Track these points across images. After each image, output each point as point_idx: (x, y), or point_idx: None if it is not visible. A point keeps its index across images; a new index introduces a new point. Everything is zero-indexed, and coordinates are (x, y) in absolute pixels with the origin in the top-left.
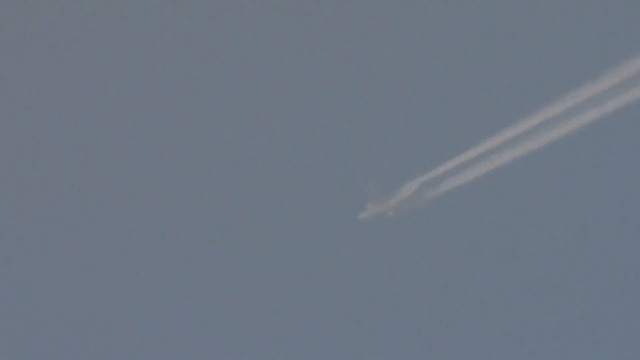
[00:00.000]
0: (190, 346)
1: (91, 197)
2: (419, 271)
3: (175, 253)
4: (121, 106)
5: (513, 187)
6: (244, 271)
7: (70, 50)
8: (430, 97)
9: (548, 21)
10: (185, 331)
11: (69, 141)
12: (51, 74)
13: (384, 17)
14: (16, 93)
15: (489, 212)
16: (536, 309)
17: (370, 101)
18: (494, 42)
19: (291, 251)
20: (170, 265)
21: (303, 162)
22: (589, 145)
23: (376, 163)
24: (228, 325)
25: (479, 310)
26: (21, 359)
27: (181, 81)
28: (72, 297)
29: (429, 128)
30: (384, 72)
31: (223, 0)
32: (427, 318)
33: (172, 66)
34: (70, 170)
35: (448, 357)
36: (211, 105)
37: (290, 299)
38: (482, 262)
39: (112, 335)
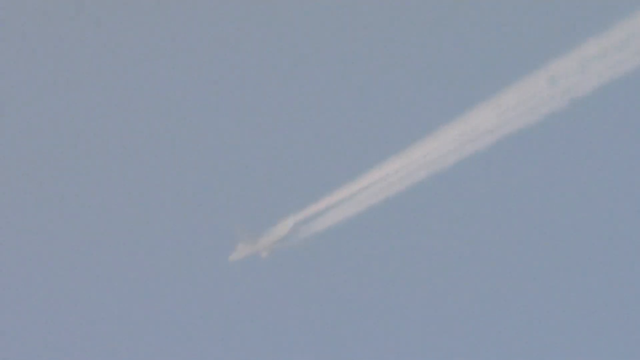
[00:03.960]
0: None
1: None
2: (296, 313)
3: None
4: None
5: (390, 224)
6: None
7: (70, 50)
8: (305, 130)
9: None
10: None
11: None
12: (51, 74)
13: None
14: (16, 93)
15: (365, 251)
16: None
17: (239, 134)
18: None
19: (161, 294)
20: None
21: (169, 200)
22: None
23: (247, 201)
24: None
25: (358, 350)
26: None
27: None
28: (71, 297)
29: (303, 163)
30: (256, 101)
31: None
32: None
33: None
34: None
35: None
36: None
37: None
38: (364, 300)
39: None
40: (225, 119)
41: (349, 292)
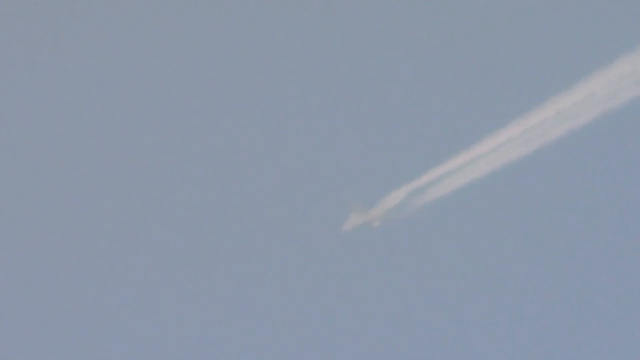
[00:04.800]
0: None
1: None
2: (408, 282)
3: None
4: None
5: (506, 192)
6: (228, 287)
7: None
8: (415, 101)
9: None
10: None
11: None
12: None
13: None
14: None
15: (480, 220)
16: (528, 320)
17: (352, 106)
18: (487, 43)
19: (275, 265)
20: None
21: (281, 171)
22: (588, 147)
23: (359, 171)
24: (208, 330)
25: (471, 320)
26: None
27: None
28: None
29: (415, 133)
30: (363, 75)
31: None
32: (417, 328)
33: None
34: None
35: None
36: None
37: (280, 311)
38: (474, 272)
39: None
40: (342, 86)
41: (458, 262)
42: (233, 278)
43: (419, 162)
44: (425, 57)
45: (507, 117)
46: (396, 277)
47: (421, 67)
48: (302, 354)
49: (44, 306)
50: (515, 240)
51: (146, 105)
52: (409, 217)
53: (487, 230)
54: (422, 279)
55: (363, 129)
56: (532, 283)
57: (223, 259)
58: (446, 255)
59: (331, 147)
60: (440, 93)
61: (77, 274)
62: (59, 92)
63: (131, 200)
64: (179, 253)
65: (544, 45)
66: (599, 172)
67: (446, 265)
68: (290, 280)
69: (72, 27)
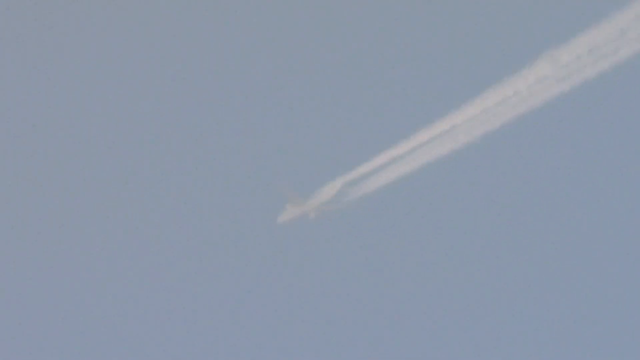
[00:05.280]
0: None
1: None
2: (342, 274)
3: None
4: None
5: (441, 185)
6: (167, 277)
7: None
8: (351, 95)
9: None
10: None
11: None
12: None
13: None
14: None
15: (415, 212)
16: (465, 311)
17: (288, 99)
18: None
19: (209, 257)
20: None
21: (218, 164)
22: (513, 143)
23: (295, 163)
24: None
25: (403, 312)
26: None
27: None
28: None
29: (350, 127)
30: (298, 69)
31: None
32: (351, 318)
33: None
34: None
35: None
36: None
37: (216, 304)
38: (408, 264)
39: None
40: (279, 79)
41: (392, 254)
42: (169, 268)
43: (354, 154)
44: (358, 53)
45: (439, 114)
46: (331, 267)
47: (356, 62)
48: (235, 343)
49: (41, 306)
50: (445, 231)
51: None
52: (345, 208)
53: (420, 222)
54: (356, 269)
55: (298, 122)
56: (462, 273)
57: (160, 249)
58: (380, 245)
59: (267, 139)
60: (374, 88)
61: (74, 272)
62: (58, 92)
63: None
64: (108, 246)
65: (463, 46)
66: (515, 172)
67: (380, 255)
68: (226, 270)
69: (72, 27)
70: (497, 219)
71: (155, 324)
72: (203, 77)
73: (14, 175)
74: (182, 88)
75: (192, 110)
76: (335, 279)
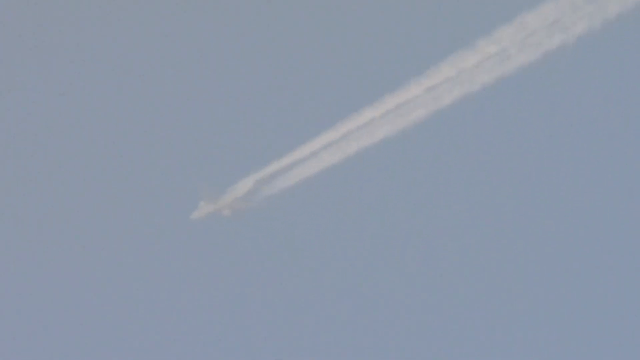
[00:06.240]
0: None
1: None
2: (256, 269)
3: None
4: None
5: (355, 182)
6: (80, 275)
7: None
8: (265, 93)
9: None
10: None
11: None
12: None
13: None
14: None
15: (327, 209)
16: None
17: (201, 96)
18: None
19: (122, 253)
20: None
21: (130, 160)
22: (424, 140)
23: (208, 160)
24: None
25: (315, 310)
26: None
27: None
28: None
29: (263, 123)
30: (213, 68)
31: None
32: (262, 316)
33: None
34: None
35: None
36: None
37: (131, 301)
38: (321, 261)
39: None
40: (190, 77)
41: (306, 251)
42: (83, 266)
43: (267, 151)
44: (273, 51)
45: (353, 109)
46: (245, 264)
47: (272, 59)
48: (146, 340)
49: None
50: (359, 228)
51: None
52: (259, 205)
53: (333, 217)
54: (270, 266)
55: (211, 119)
56: (378, 270)
57: (72, 246)
58: (294, 242)
59: (180, 136)
60: (287, 84)
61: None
62: (46, 91)
63: None
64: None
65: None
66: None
67: (294, 252)
68: (139, 266)
69: (73, 27)
70: (410, 215)
71: (68, 323)
72: (116, 74)
73: (14, 175)
74: (97, 85)
75: (108, 106)
76: (248, 276)
